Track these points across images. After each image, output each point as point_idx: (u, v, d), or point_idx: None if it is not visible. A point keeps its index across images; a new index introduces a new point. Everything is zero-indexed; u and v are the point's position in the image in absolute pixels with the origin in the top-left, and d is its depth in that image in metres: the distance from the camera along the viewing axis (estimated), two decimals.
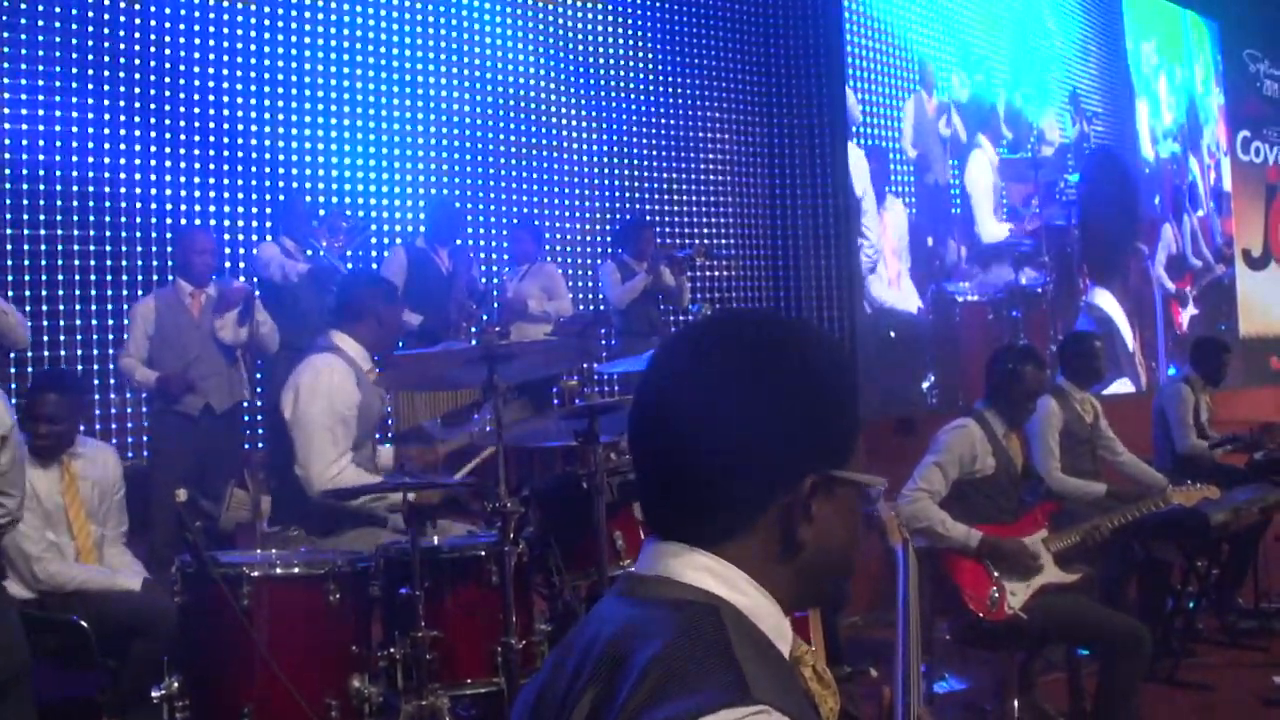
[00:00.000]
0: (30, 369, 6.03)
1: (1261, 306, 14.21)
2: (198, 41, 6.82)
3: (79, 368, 6.27)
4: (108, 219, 6.45)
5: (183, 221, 6.57)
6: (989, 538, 4.16)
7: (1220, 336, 8.22)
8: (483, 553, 3.49)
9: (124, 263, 6.50)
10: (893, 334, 9.64)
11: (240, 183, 6.94)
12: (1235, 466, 6.75)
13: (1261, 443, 6.86)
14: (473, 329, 6.47)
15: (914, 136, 10.22)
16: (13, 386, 5.50)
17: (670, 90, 8.97)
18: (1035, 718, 4.82)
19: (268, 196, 7.01)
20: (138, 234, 6.53)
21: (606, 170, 8.57)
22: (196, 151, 6.79)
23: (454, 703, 3.40)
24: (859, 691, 4.08)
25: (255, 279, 6.17)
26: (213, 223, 6.78)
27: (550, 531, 3.74)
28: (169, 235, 6.46)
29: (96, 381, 6.34)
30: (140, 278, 6.47)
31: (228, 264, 6.77)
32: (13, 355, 5.82)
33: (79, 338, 6.37)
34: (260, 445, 6.27)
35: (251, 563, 3.46)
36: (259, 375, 6.41)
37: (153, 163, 6.60)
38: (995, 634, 4.16)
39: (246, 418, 6.41)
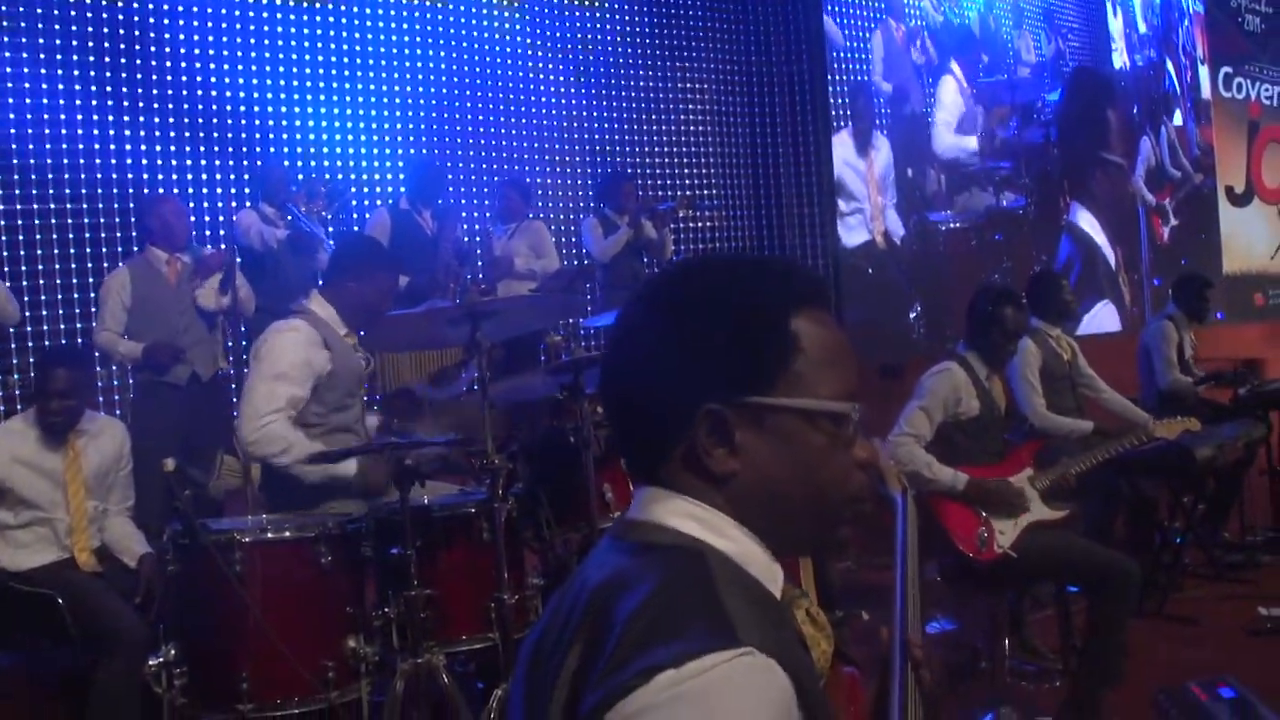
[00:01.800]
0: (13, 344, 6.00)
1: (1245, 243, 14.22)
2: (167, 7, 6.73)
3: (62, 342, 6.23)
4: (83, 190, 6.37)
5: (160, 190, 6.50)
6: (975, 479, 4.19)
7: (1201, 273, 8.23)
8: (473, 510, 3.51)
9: (103, 234, 6.44)
10: (870, 271, 9.57)
11: (217, 149, 6.86)
12: (1219, 402, 6.81)
13: (1245, 378, 6.91)
14: (457, 288, 6.45)
15: (884, 69, 10.04)
16: None
17: (649, 41, 8.90)
18: (1026, 655, 4.89)
19: (245, 163, 6.94)
20: (115, 205, 6.45)
21: (587, 124, 8.52)
22: (171, 120, 6.70)
23: (450, 659, 3.43)
24: (851, 635, 4.12)
25: (235, 246, 6.13)
26: (190, 190, 6.73)
27: (539, 486, 3.76)
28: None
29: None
30: (120, 249, 6.40)
31: (207, 232, 6.73)
32: None
33: (61, 311, 6.32)
34: None
35: (242, 528, 3.46)
36: (244, 343, 6.40)
37: (126, 132, 6.52)
38: (985, 573, 4.19)
39: (234, 386, 6.41)
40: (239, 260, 5.75)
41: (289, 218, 6.17)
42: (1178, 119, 13.34)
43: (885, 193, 9.87)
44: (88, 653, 3.71)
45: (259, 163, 6.82)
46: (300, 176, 6.80)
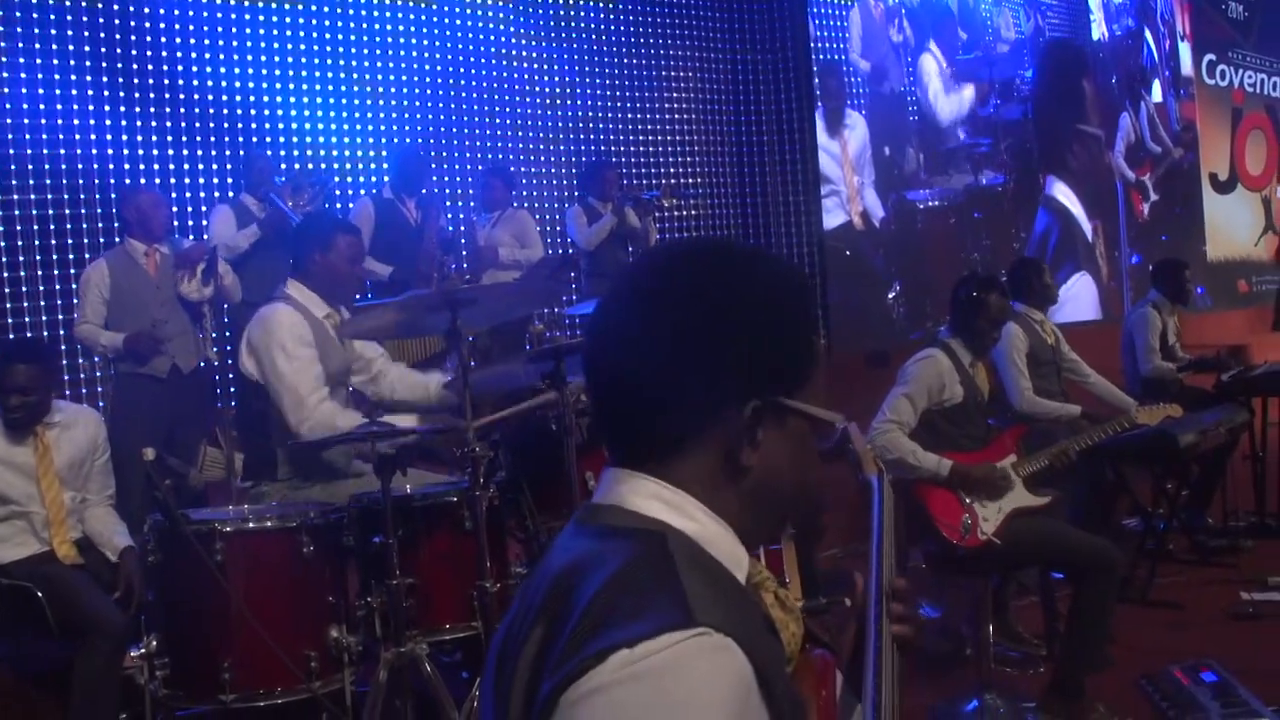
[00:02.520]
0: None
1: (1228, 230, 14.27)
2: None
3: (45, 334, 6.20)
4: (64, 182, 6.34)
5: (142, 181, 6.47)
6: (959, 466, 4.19)
7: (1177, 256, 8.26)
8: (454, 499, 3.51)
9: (84, 225, 6.40)
10: (848, 252, 9.55)
11: (199, 139, 6.83)
12: (1202, 389, 6.83)
13: (1227, 365, 6.93)
14: (440, 278, 6.43)
15: (862, 47, 10.00)
16: None
17: (632, 29, 8.89)
18: (1010, 642, 4.90)
19: (227, 153, 6.92)
20: (97, 196, 6.42)
21: (570, 114, 8.50)
22: (152, 110, 6.67)
23: (433, 648, 3.43)
24: (834, 622, 4.12)
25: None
26: (173, 181, 6.71)
27: (522, 475, 3.75)
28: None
29: (64, 348, 6.27)
30: (102, 240, 6.37)
31: (190, 223, 6.71)
32: None
33: (43, 303, 6.29)
34: (233, 404, 6.23)
35: (223, 518, 3.46)
36: (228, 334, 6.38)
37: (107, 122, 6.48)
38: (969, 559, 4.20)
39: (216, 376, 6.39)
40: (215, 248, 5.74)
41: (268, 209, 6.13)
42: (1157, 94, 13.32)
43: (862, 172, 9.82)
44: (68, 645, 3.69)
45: (241, 153, 6.80)
46: (283, 167, 6.76)
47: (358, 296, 4.35)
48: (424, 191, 6.93)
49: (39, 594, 3.79)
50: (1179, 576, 5.79)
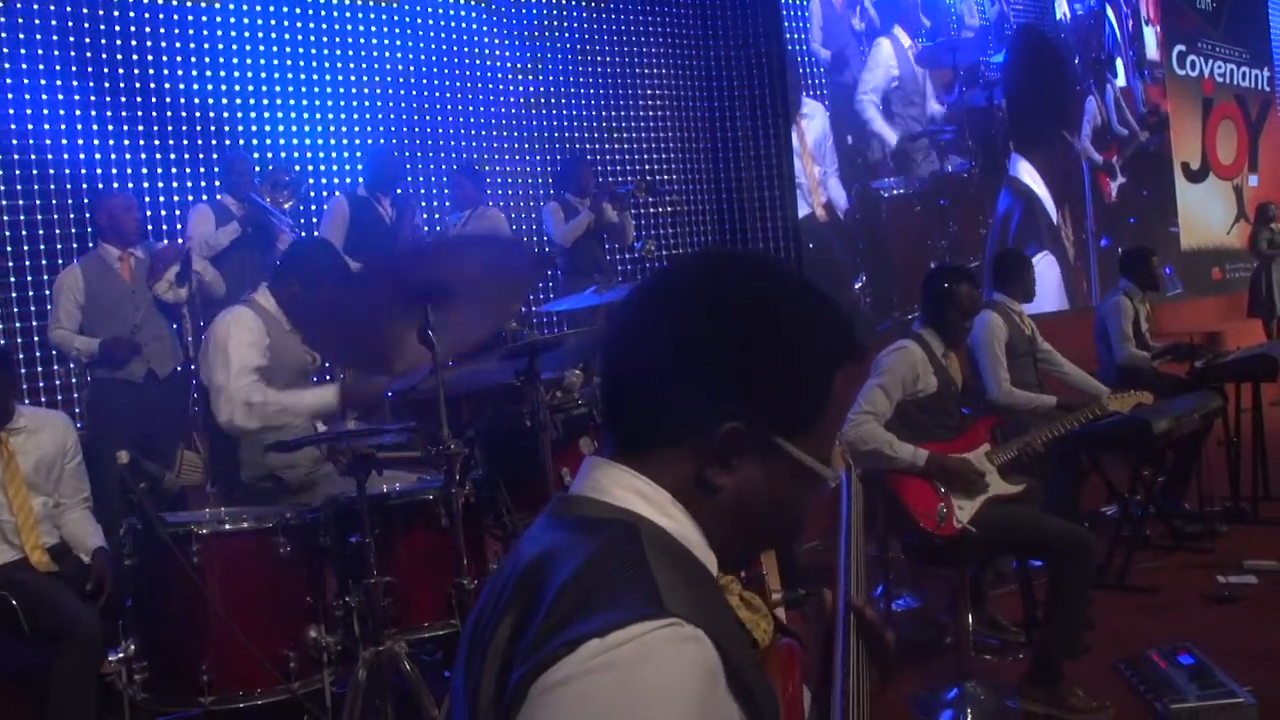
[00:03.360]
0: None
1: (1202, 219, 14.38)
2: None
3: (18, 340, 6.16)
4: (35, 187, 6.30)
5: (115, 186, 6.44)
6: (935, 455, 4.21)
7: (1146, 240, 8.33)
8: (430, 497, 3.50)
9: (56, 230, 6.37)
10: (810, 245, 9.54)
11: (171, 142, 6.81)
12: (1176, 376, 6.88)
13: (1200, 352, 6.97)
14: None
15: (822, 36, 9.96)
16: None
17: (605, 25, 8.89)
18: (989, 630, 4.93)
19: (201, 155, 6.89)
20: (69, 200, 6.39)
21: (544, 110, 8.50)
22: (124, 114, 6.63)
23: (412, 647, 3.43)
24: (812, 613, 4.14)
25: (190, 238, 6.08)
26: (145, 185, 6.67)
27: (498, 472, 3.75)
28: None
29: (39, 354, 6.22)
30: (75, 245, 6.33)
31: (164, 226, 6.68)
32: None
33: (15, 309, 6.24)
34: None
35: (200, 520, 3.46)
36: (204, 338, 6.34)
37: (79, 126, 6.45)
38: (946, 549, 4.21)
39: (194, 381, 6.35)
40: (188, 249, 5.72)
41: (248, 207, 6.11)
42: (1122, 79, 13.37)
43: (823, 161, 9.79)
44: (43, 650, 3.66)
45: (216, 155, 6.77)
46: (258, 169, 6.74)
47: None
48: (399, 191, 6.92)
49: (12, 601, 3.75)
50: (1156, 562, 5.83)
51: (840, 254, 9.82)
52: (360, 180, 7.05)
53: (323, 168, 7.44)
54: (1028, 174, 11.73)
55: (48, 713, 3.57)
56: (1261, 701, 3.91)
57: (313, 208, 7.16)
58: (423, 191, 7.84)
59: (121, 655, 3.35)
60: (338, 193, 7.15)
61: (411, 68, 7.89)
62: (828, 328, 1.25)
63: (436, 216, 7.67)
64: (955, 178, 10.84)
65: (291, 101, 7.30)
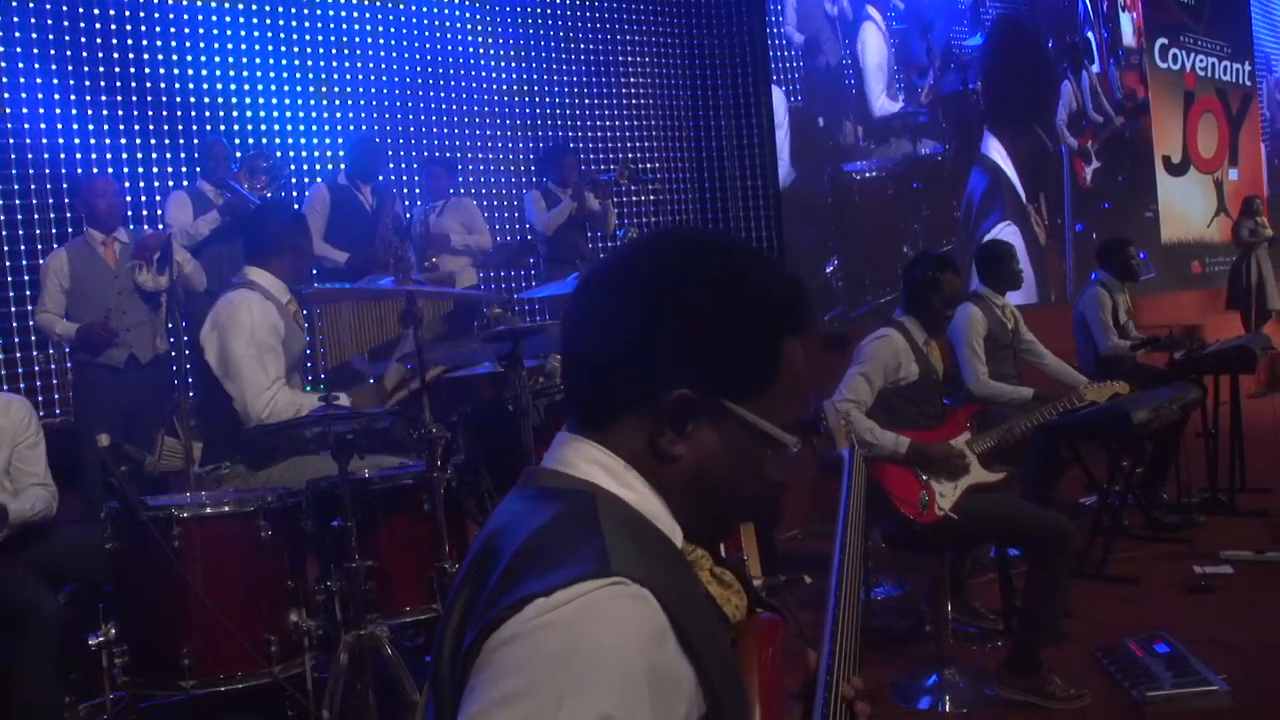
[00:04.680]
0: None
1: (1182, 212, 14.45)
2: None
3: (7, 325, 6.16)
4: (14, 171, 6.28)
5: (94, 171, 6.41)
6: (917, 443, 4.23)
7: (1119, 228, 8.35)
8: (411, 481, 3.50)
9: (37, 215, 6.35)
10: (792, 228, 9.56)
11: (152, 128, 6.78)
12: (1156, 366, 6.92)
13: (1180, 343, 7.01)
14: (395, 263, 6.39)
15: (798, 20, 9.94)
16: None
17: (587, 15, 8.88)
18: (968, 617, 4.95)
19: (182, 141, 6.86)
20: (48, 186, 6.37)
21: (527, 98, 8.48)
22: (104, 99, 6.62)
23: (394, 631, 3.43)
24: (793, 599, 4.16)
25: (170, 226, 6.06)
26: (126, 170, 6.65)
27: (480, 456, 3.76)
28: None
29: (17, 339, 6.21)
30: (54, 231, 6.32)
31: (144, 212, 6.65)
32: None
33: (11, 294, 6.25)
34: (190, 395, 6.19)
35: (180, 504, 3.44)
36: (184, 324, 6.33)
37: (57, 111, 6.42)
38: (927, 536, 4.23)
39: (174, 366, 6.34)
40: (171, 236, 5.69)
41: (228, 195, 6.08)
42: (1096, 64, 13.39)
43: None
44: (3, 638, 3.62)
45: (196, 141, 6.74)
46: (239, 155, 6.72)
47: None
48: (380, 179, 6.90)
49: None
50: (1134, 551, 5.87)
51: (808, 237, 9.82)
52: (341, 168, 7.01)
53: (304, 154, 7.41)
54: (996, 152, 11.75)
55: (15, 699, 3.54)
56: (1235, 690, 3.96)
57: (294, 194, 7.13)
58: (405, 179, 7.82)
59: (102, 639, 3.33)
60: (319, 179, 7.13)
61: (393, 56, 7.87)
62: (768, 295, 1.26)
63: (419, 205, 7.65)
64: (929, 160, 10.86)
65: (273, 88, 7.28)
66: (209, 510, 3.42)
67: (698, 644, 1.12)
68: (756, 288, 1.25)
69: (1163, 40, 14.48)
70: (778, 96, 9.71)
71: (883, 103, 10.52)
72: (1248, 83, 16.11)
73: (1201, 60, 15.15)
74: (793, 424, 1.28)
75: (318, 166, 7.42)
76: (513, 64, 8.42)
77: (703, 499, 1.26)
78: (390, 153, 7.61)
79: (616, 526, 1.15)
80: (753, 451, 1.26)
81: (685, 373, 1.21)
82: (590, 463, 1.23)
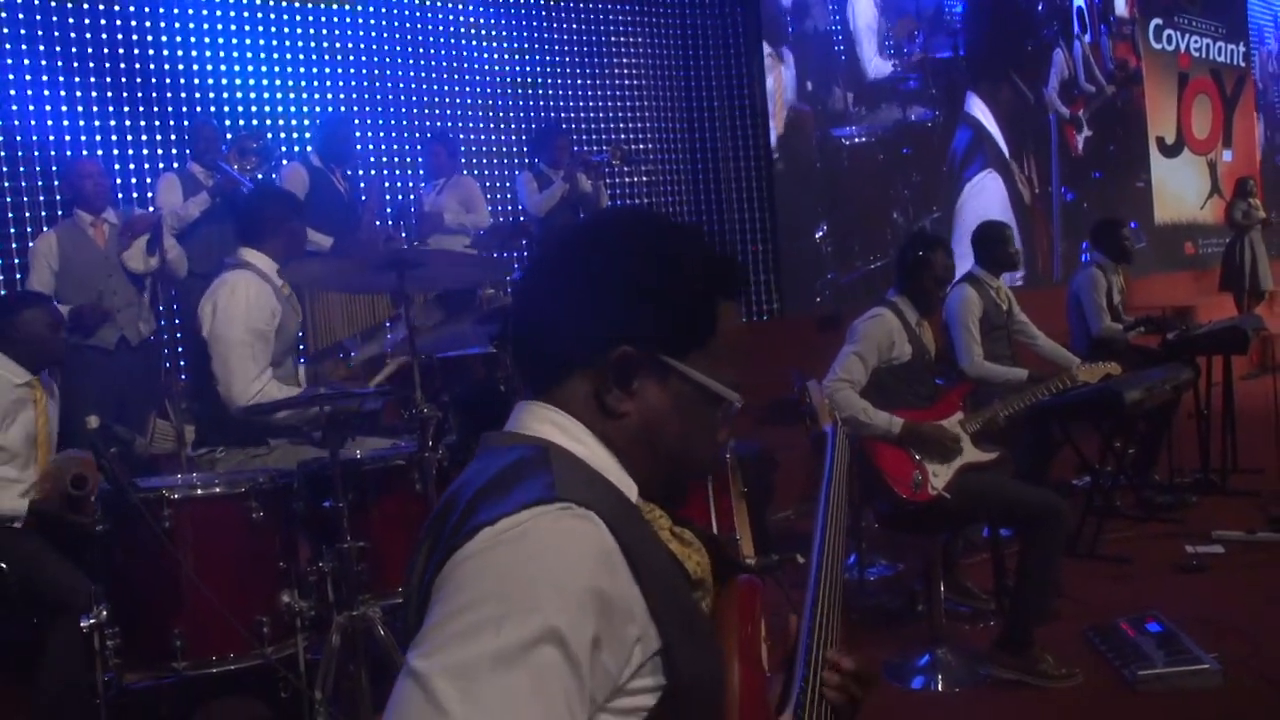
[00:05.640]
0: None
1: (1175, 193, 14.44)
2: None
3: None
4: (3, 153, 6.26)
5: (84, 153, 6.38)
6: (910, 423, 4.23)
7: (1114, 215, 8.32)
8: (403, 462, 3.50)
9: (27, 198, 6.33)
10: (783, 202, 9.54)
11: (141, 109, 6.76)
12: (1149, 347, 6.92)
13: (1173, 324, 7.02)
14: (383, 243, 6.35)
15: None
16: None
17: None
18: (960, 596, 4.97)
19: (171, 123, 6.83)
20: (37, 168, 6.35)
21: (519, 79, 8.45)
22: (92, 80, 6.59)
23: (386, 612, 3.42)
24: (785, 579, 4.15)
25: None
26: (115, 152, 6.62)
27: (471, 436, 3.74)
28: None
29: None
30: (44, 213, 6.30)
31: (134, 195, 6.62)
32: None
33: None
34: (183, 377, 6.17)
35: (171, 485, 3.43)
36: (175, 306, 6.31)
37: (46, 94, 6.40)
38: (920, 515, 4.24)
39: (166, 350, 6.32)
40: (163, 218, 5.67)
41: (217, 177, 6.05)
42: (1087, 33, 13.34)
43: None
44: (30, 620, 3.62)
45: (186, 123, 6.71)
46: (229, 136, 6.67)
47: None
48: (358, 167, 6.83)
49: (2, 565, 3.69)
50: (1126, 531, 5.88)
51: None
52: (310, 150, 6.83)
53: (294, 135, 7.37)
54: (979, 109, 11.72)
55: (39, 681, 3.52)
56: (1226, 668, 3.97)
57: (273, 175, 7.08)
58: (397, 160, 7.79)
59: (94, 620, 3.32)
60: (296, 162, 7.05)
61: (385, 36, 7.83)
62: (702, 260, 1.33)
63: (411, 185, 7.62)
64: (918, 126, 10.84)
65: (263, 69, 7.24)
66: (200, 491, 3.41)
67: (648, 578, 1.16)
68: (692, 254, 1.33)
69: (1157, 20, 14.45)
70: (774, 73, 9.67)
71: (876, 63, 10.49)
72: (1242, 64, 16.09)
73: (1196, 41, 15.12)
74: (738, 384, 1.34)
75: (309, 149, 7.37)
76: (504, 45, 8.37)
77: (655, 455, 1.31)
78: (371, 135, 7.57)
79: (565, 466, 1.21)
80: (698, 408, 1.32)
81: (628, 332, 1.27)
82: (543, 421, 1.29)
